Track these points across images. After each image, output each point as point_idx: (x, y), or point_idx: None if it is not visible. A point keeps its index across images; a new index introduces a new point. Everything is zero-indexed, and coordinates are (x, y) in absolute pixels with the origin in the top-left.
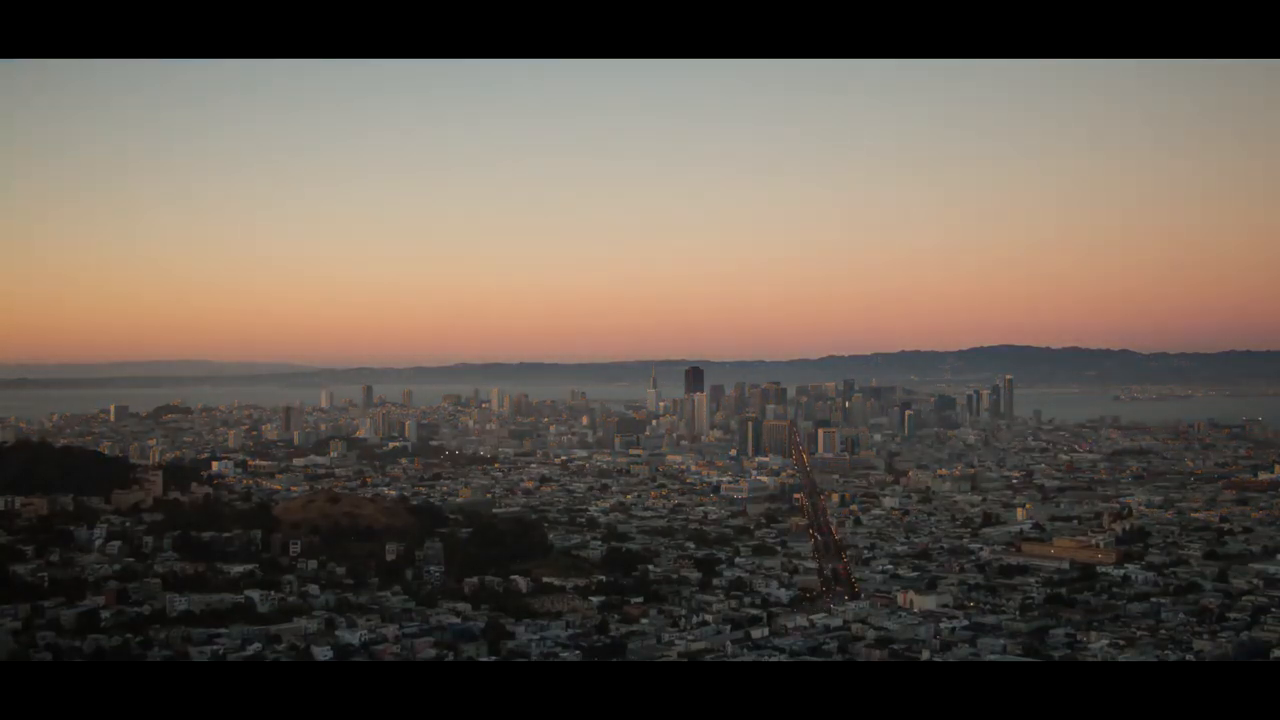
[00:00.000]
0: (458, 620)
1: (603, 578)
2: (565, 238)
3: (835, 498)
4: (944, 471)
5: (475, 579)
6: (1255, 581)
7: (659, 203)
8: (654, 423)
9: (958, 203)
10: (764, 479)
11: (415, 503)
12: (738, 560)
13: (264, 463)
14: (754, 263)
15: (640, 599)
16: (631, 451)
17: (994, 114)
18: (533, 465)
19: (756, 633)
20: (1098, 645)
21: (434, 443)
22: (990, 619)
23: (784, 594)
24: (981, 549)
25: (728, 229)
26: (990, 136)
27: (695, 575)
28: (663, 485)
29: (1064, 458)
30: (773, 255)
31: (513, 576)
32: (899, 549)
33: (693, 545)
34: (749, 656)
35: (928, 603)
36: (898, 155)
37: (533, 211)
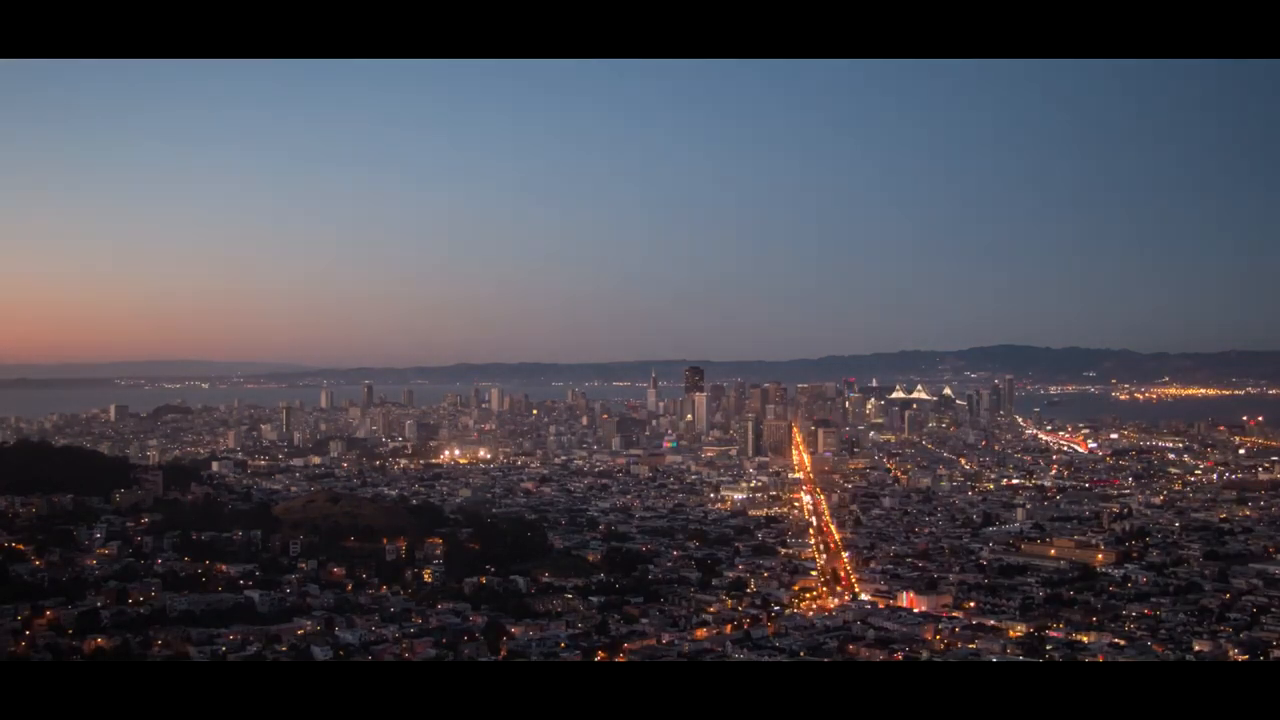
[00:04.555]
0: (458, 620)
1: (603, 578)
2: (564, 238)
3: (835, 498)
4: (944, 471)
5: (475, 579)
6: (1255, 581)
7: (658, 203)
8: (654, 423)
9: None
10: (764, 479)
11: (415, 503)
12: (738, 560)
13: (264, 463)
14: (754, 262)
15: (640, 599)
16: (631, 451)
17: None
18: (533, 465)
19: (756, 633)
20: (1098, 645)
21: (434, 443)
22: (990, 619)
23: (784, 594)
24: (981, 549)
25: (725, 228)
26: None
27: (695, 575)
28: (663, 485)
29: (1064, 457)
30: (771, 255)
31: (513, 576)
32: (899, 549)
33: (693, 545)
34: (749, 656)
35: (928, 603)
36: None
37: (533, 211)
